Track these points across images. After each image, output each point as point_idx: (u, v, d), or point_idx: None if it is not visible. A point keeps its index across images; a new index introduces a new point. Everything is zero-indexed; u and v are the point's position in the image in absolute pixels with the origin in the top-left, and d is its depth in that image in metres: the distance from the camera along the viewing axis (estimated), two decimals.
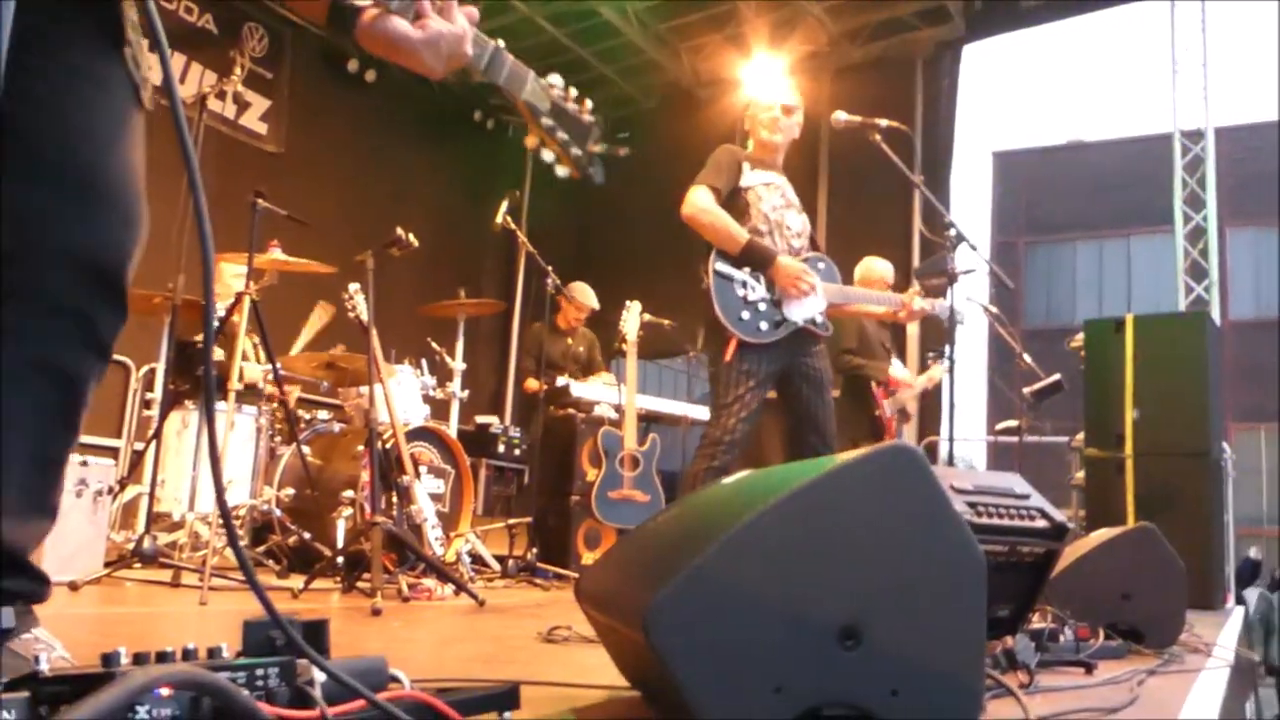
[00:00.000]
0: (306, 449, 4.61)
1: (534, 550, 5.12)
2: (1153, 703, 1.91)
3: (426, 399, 5.20)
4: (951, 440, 4.23)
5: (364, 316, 4.23)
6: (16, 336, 1.39)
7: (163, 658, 1.01)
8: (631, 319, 5.72)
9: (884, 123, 3.94)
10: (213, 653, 1.06)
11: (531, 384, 6.20)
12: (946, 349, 3.95)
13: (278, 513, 4.40)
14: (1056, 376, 6.05)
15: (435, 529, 4.27)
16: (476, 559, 4.96)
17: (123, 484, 4.35)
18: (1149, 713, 1.81)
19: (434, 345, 5.55)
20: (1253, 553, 13.24)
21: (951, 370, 3.97)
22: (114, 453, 6.07)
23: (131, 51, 1.49)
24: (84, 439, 5.42)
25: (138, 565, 3.70)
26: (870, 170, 7.19)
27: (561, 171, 1.82)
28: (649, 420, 6.26)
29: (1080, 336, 5.98)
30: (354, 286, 4.38)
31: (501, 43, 1.67)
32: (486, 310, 6.13)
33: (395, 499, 4.17)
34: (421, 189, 9.12)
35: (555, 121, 1.78)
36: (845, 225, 8.61)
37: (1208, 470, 5.49)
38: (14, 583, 1.42)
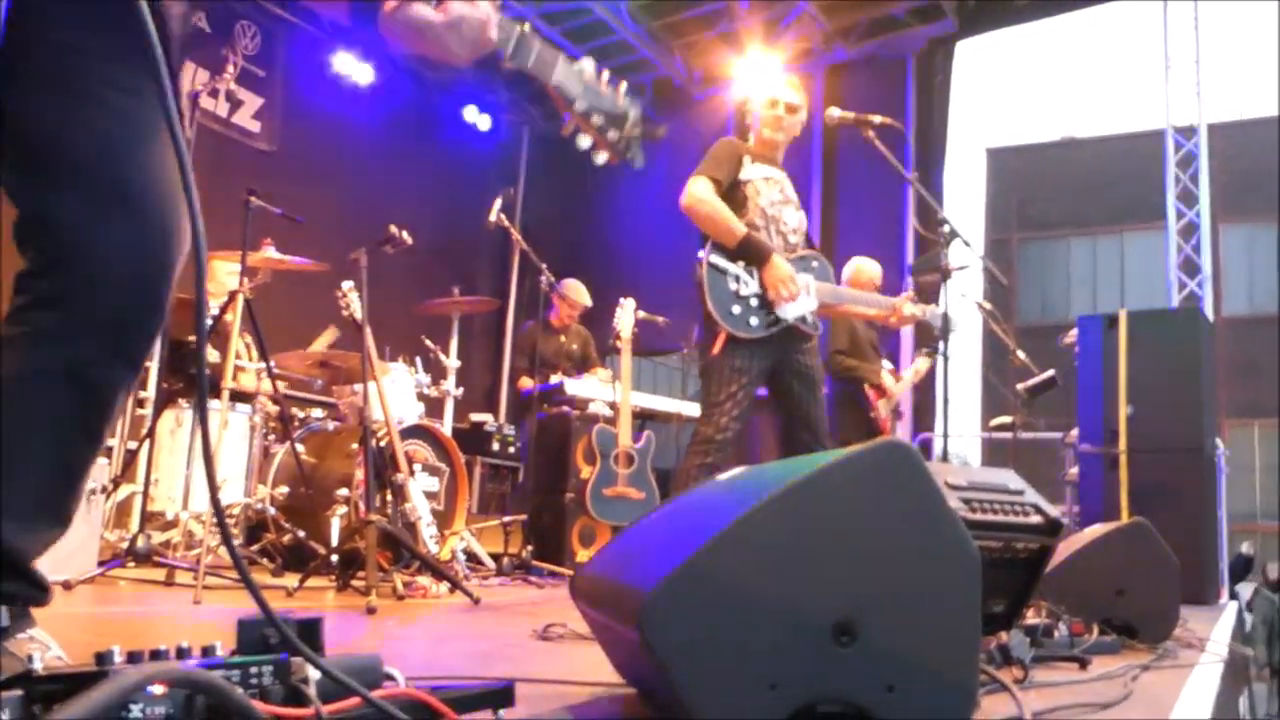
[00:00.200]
0: (301, 447, 4.60)
1: (529, 548, 5.12)
2: (1147, 698, 1.92)
3: (421, 397, 5.20)
4: (946, 436, 4.23)
5: (358, 314, 4.22)
6: (47, 343, 1.39)
7: (157, 656, 1.01)
8: (626, 316, 5.72)
9: (877, 119, 3.94)
10: (207, 651, 1.05)
11: (526, 381, 6.20)
12: (940, 346, 3.94)
13: (272, 511, 4.39)
14: (1050, 373, 6.06)
15: (430, 527, 4.27)
16: (471, 557, 4.95)
17: (116, 483, 4.34)
18: (1143, 708, 1.81)
19: (428, 343, 5.55)
20: (1245, 548, 13.28)
21: (945, 367, 3.97)
22: (107, 452, 6.04)
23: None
24: None
25: (132, 564, 3.69)
26: (864, 167, 7.20)
27: (600, 158, 1.79)
28: (643, 417, 6.27)
29: (1074, 333, 5.99)
30: (348, 284, 4.37)
31: (529, 26, 1.64)
32: (481, 308, 6.12)
33: (390, 497, 4.16)
34: (415, 186, 9.10)
35: (589, 106, 1.75)
36: (839, 222, 8.63)
37: (1201, 466, 5.50)
38: (12, 586, 1.41)
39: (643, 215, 9.22)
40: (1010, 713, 1.54)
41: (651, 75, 9.98)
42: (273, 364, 4.46)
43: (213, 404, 4.10)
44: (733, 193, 3.81)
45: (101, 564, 3.65)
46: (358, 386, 4.74)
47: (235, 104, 7.71)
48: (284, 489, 4.57)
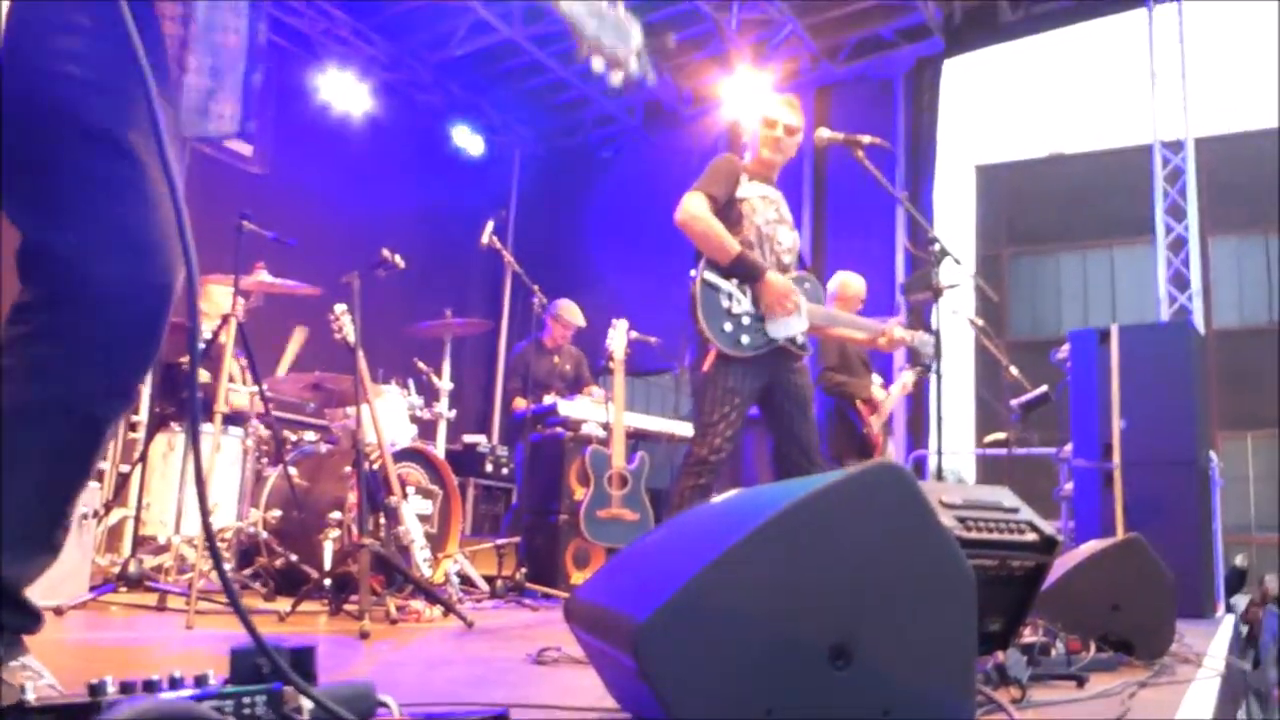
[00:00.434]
0: (293, 470, 4.59)
1: (522, 570, 5.10)
2: (1145, 714, 1.91)
3: (414, 419, 5.19)
4: (940, 454, 4.23)
5: (350, 337, 4.21)
6: (46, 377, 1.39)
7: (150, 687, 1.01)
8: (618, 337, 5.72)
9: (866, 139, 3.95)
10: (200, 681, 1.05)
11: (519, 403, 6.19)
12: (932, 363, 3.95)
13: (264, 535, 4.37)
14: (1044, 388, 6.07)
15: (423, 550, 4.25)
16: (465, 580, 4.93)
17: (108, 507, 4.32)
18: None
19: (421, 365, 5.54)
20: (1238, 561, 13.27)
21: (939, 385, 3.97)
22: (99, 476, 6.02)
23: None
24: None
25: (123, 589, 3.67)
26: (854, 187, 7.23)
27: (615, 79, 1.80)
28: (637, 438, 6.26)
29: (1066, 348, 6.01)
30: (340, 307, 4.36)
31: None
32: (473, 330, 6.11)
33: (383, 520, 4.14)
34: (407, 209, 9.12)
35: (598, 29, 1.76)
36: (829, 242, 8.65)
37: (1195, 478, 5.51)
38: (5, 615, 1.41)
39: (635, 235, 9.25)
40: None
41: (642, 96, 10.03)
42: (265, 387, 4.45)
43: (205, 427, 4.09)
44: (728, 210, 3.80)
45: (93, 589, 3.63)
46: (350, 409, 4.73)
47: None
48: (276, 512, 4.55)
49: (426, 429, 5.43)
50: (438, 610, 3.75)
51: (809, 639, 1.20)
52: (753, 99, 4.18)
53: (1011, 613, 2.21)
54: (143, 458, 4.18)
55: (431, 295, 7.34)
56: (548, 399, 6.02)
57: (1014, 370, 5.86)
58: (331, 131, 8.68)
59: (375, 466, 4.26)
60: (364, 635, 3.06)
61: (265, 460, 4.82)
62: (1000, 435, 7.26)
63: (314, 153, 8.50)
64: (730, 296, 3.69)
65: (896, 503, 1.28)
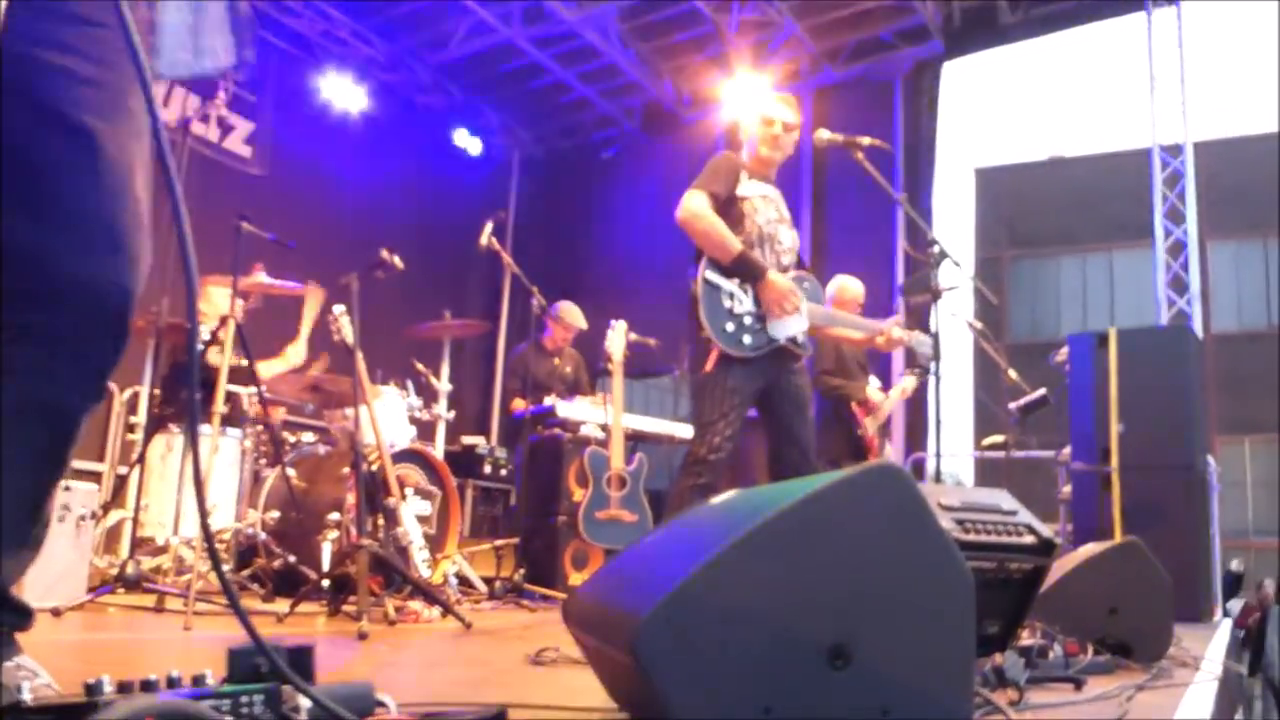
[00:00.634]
0: (291, 471, 4.59)
1: (521, 571, 5.10)
2: (1142, 718, 1.91)
3: (412, 420, 5.19)
4: (939, 456, 4.23)
5: (349, 338, 4.21)
6: (19, 376, 1.39)
7: (147, 686, 1.00)
8: (617, 338, 5.72)
9: (866, 141, 3.95)
10: (197, 680, 1.05)
11: (518, 404, 6.19)
12: (931, 366, 3.94)
13: (262, 536, 4.37)
14: (1042, 391, 6.07)
15: (422, 551, 4.25)
16: (463, 581, 4.93)
17: (106, 509, 4.32)
18: None
19: (419, 366, 5.54)
20: (1234, 565, 13.26)
21: (937, 388, 3.97)
22: (97, 477, 6.02)
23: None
24: None
25: (121, 590, 3.67)
26: (853, 189, 7.24)
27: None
28: (636, 439, 6.26)
29: (1064, 351, 6.01)
30: (339, 308, 4.37)
31: None
32: (472, 331, 6.12)
33: (381, 521, 4.14)
34: (406, 210, 9.12)
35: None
36: (829, 244, 8.65)
37: (1193, 483, 5.52)
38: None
39: (634, 237, 9.26)
40: None
41: (641, 98, 10.03)
42: (264, 388, 4.44)
43: (203, 429, 4.08)
44: (730, 209, 3.77)
45: (91, 590, 3.63)
46: (349, 410, 4.73)
47: (226, 129, 7.73)
48: (275, 514, 4.55)
49: (425, 430, 5.43)
50: (436, 611, 3.75)
51: (808, 639, 1.20)
52: (749, 97, 4.14)
53: (1009, 615, 2.21)
54: (141, 459, 4.18)
55: (430, 297, 7.34)
56: (548, 400, 6.02)
57: (1013, 373, 5.86)
58: (330, 133, 8.68)
59: (374, 468, 4.26)
60: (362, 636, 3.06)
61: (264, 461, 4.82)
62: (999, 438, 7.26)
63: (313, 154, 8.50)
64: (732, 296, 3.67)
65: (895, 504, 1.28)
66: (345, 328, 4.33)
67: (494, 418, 9.87)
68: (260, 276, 4.53)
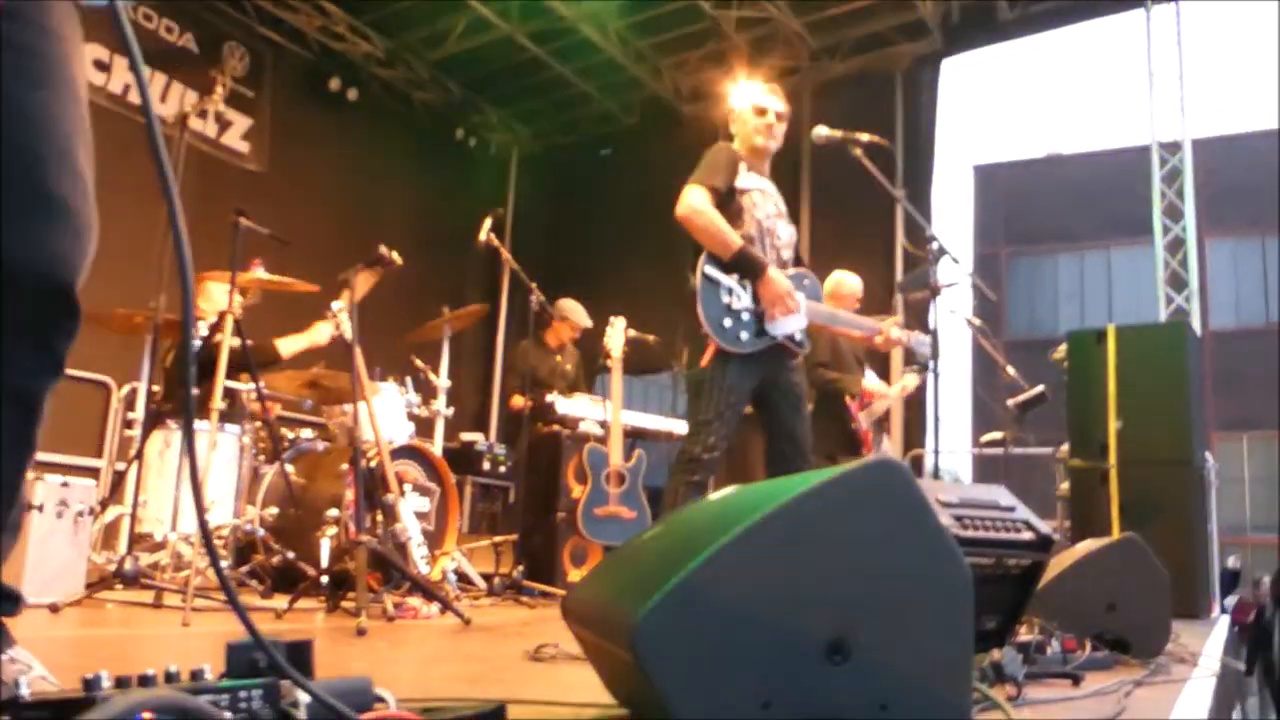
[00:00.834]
0: (290, 468, 4.58)
1: (520, 568, 5.10)
2: (1140, 713, 1.91)
3: (411, 416, 5.18)
4: (937, 453, 4.24)
5: (348, 334, 4.21)
6: None
7: (145, 681, 1.00)
8: (616, 335, 5.71)
9: (865, 137, 3.94)
10: (195, 675, 1.05)
11: (517, 400, 6.19)
12: (930, 363, 3.94)
13: (261, 532, 4.36)
14: (1041, 388, 6.07)
15: (420, 547, 4.24)
16: (462, 577, 4.93)
17: (104, 505, 4.31)
18: None
19: (418, 362, 5.53)
20: (1231, 562, 13.28)
21: (936, 384, 3.97)
22: (95, 473, 6.02)
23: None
24: (65, 459, 5.36)
25: (119, 586, 3.67)
26: (852, 185, 7.23)
27: None
28: (634, 436, 6.26)
29: (1063, 348, 6.01)
30: (338, 304, 4.36)
31: None
32: (469, 320, 6.02)
33: (380, 517, 4.14)
34: (404, 207, 9.12)
35: None
36: (828, 240, 8.64)
37: (1191, 479, 5.52)
38: None
39: (632, 233, 9.24)
40: None
41: (640, 94, 10.02)
42: (262, 384, 4.44)
43: (201, 425, 4.08)
44: (729, 203, 3.74)
45: (89, 586, 3.63)
46: (347, 406, 4.73)
47: (224, 125, 7.73)
48: (273, 510, 4.54)
49: (424, 427, 5.43)
50: (435, 607, 3.75)
51: (807, 634, 1.20)
52: (738, 89, 4.11)
53: (1008, 611, 2.21)
54: (139, 455, 4.17)
55: (429, 293, 7.33)
56: (549, 397, 6.02)
57: (1011, 370, 5.86)
58: (329, 129, 8.67)
59: (373, 464, 4.26)
60: (361, 632, 3.06)
61: (262, 458, 4.82)
62: (997, 434, 7.26)
63: (311, 150, 8.50)
64: (731, 291, 3.65)
65: (894, 499, 1.28)
66: (344, 324, 4.32)
67: (493, 414, 9.88)
68: (258, 272, 4.53)
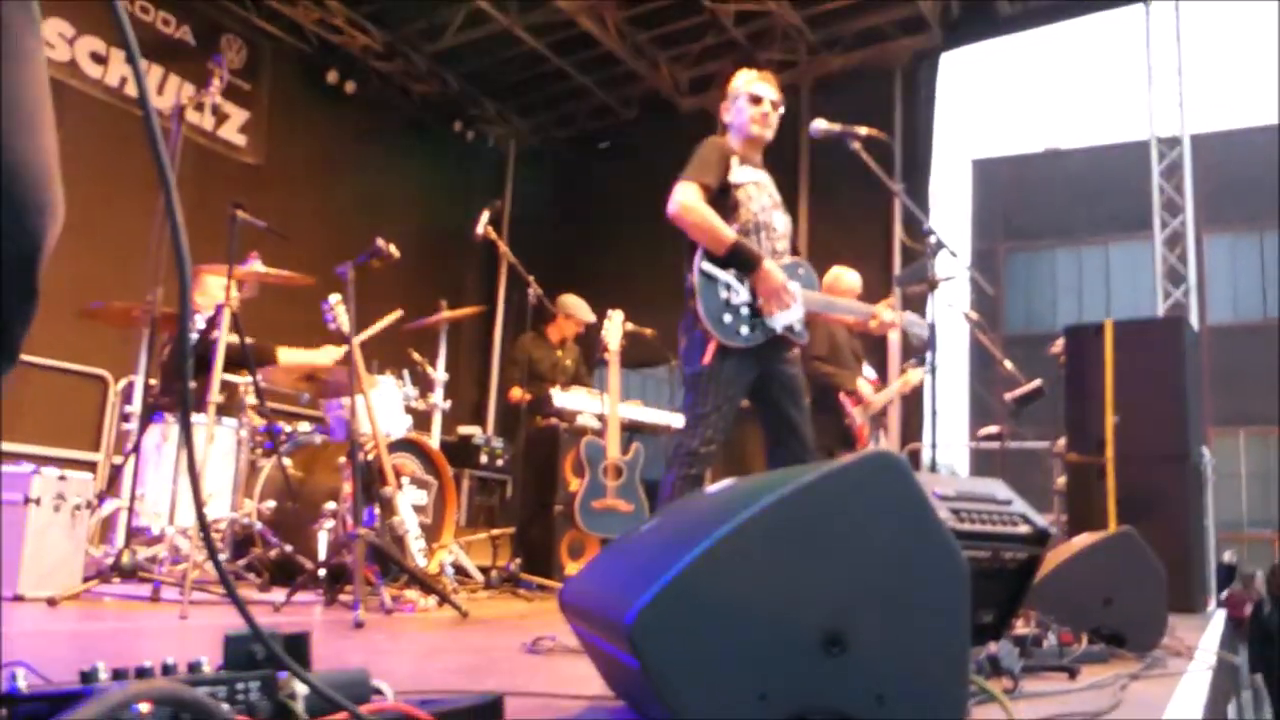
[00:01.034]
0: (287, 461, 4.58)
1: (517, 561, 5.10)
2: (1136, 707, 1.92)
3: (408, 410, 5.18)
4: (934, 447, 4.24)
5: (345, 327, 4.20)
6: None
7: (142, 673, 1.00)
8: (614, 328, 5.71)
9: (863, 131, 3.93)
10: (193, 667, 1.05)
11: (515, 393, 6.18)
12: (928, 356, 3.94)
13: (258, 526, 4.37)
14: (1038, 382, 6.08)
15: (418, 540, 4.25)
16: (460, 570, 4.94)
17: (101, 498, 4.31)
18: (1133, 717, 1.81)
19: (415, 356, 5.53)
20: (1227, 557, 13.33)
21: (933, 377, 3.97)
22: (92, 467, 6.02)
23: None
24: (62, 453, 5.35)
25: (117, 580, 3.67)
26: (850, 179, 7.23)
27: None
28: (632, 429, 6.25)
29: (1060, 342, 6.01)
30: (335, 297, 4.35)
31: None
32: (467, 316, 6.02)
33: (378, 510, 4.14)
34: (401, 200, 9.10)
35: None
36: (826, 234, 8.64)
37: (1187, 474, 5.53)
38: None
39: (630, 227, 9.22)
40: None
41: (638, 88, 10.00)
42: (260, 377, 4.44)
43: (199, 418, 4.08)
44: (723, 197, 3.73)
45: (86, 580, 3.63)
46: (345, 399, 4.73)
47: (221, 118, 7.70)
48: (271, 503, 4.54)
49: (421, 420, 5.43)
50: (433, 600, 3.75)
51: (803, 626, 1.20)
52: (732, 80, 4.10)
53: (1005, 604, 2.22)
54: (136, 448, 4.17)
55: (426, 286, 7.33)
56: (551, 391, 6.01)
57: (1008, 364, 5.87)
58: (326, 122, 8.65)
59: (370, 457, 4.26)
60: (359, 625, 3.07)
61: (260, 451, 4.81)
62: (994, 429, 7.27)
63: (308, 143, 8.48)
64: (729, 287, 3.64)
65: (892, 492, 1.28)
66: (341, 316, 4.31)
67: (490, 408, 9.88)
68: (256, 265, 4.52)
